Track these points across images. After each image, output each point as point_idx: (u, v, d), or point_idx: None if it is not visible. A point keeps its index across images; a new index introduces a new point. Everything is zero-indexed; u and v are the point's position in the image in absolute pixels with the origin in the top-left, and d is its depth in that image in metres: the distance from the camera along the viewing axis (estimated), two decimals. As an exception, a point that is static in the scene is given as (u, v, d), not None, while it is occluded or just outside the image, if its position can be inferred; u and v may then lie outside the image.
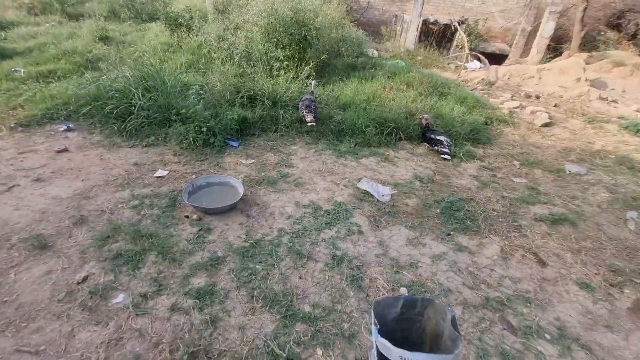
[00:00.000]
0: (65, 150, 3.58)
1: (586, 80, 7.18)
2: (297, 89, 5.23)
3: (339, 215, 3.05)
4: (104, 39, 7.16)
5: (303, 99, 4.61)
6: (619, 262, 2.87)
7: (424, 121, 4.73)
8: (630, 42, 9.99)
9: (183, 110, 4.00)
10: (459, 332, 0.41)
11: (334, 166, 3.92)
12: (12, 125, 3.94)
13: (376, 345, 0.32)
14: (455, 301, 2.33)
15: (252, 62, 5.78)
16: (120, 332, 1.85)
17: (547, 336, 2.16)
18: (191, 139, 3.82)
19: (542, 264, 2.78)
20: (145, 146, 3.81)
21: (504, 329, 2.18)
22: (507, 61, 10.50)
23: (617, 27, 10.36)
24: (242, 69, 5.68)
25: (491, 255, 2.80)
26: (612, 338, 2.19)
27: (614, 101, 6.85)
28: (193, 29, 6.76)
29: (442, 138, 4.52)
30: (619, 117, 6.30)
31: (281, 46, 5.90)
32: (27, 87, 4.90)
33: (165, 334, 1.86)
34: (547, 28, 8.81)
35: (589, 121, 6.11)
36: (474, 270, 2.63)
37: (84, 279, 2.14)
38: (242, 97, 4.70)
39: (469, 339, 2.06)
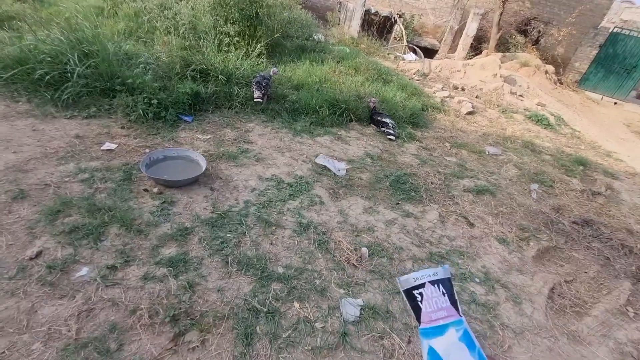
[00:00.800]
0: (-15, 119, 3.05)
1: (501, 76, 8.24)
2: (249, 67, 5.10)
3: (301, 187, 3.17)
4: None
5: (257, 76, 4.54)
6: (525, 222, 3.50)
7: (371, 104, 5.03)
8: (534, 46, 11.63)
9: (129, 80, 3.66)
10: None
11: (292, 143, 3.99)
12: None
13: (403, 292, 0.49)
14: (406, 257, 2.64)
15: (198, 35, 5.45)
16: (91, 304, 1.76)
17: (477, 280, 2.60)
18: (140, 111, 3.54)
19: (471, 225, 3.27)
20: (87, 117, 3.43)
21: (445, 277, 2.56)
22: (437, 55, 11.45)
23: (524, 33, 11.94)
24: (188, 42, 5.33)
25: (432, 220, 3.20)
26: (522, 278, 2.73)
27: (521, 95, 8.01)
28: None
29: (387, 120, 4.86)
30: (525, 109, 7.41)
31: (231, 22, 5.65)
32: None
33: (141, 302, 1.82)
34: (471, 27, 9.79)
35: (502, 111, 7.08)
36: (419, 232, 2.99)
37: (38, 254, 1.94)
38: (193, 70, 4.44)
39: (419, 287, 2.39)
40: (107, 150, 3.03)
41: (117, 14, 5.90)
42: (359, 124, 4.99)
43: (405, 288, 0.51)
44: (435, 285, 0.48)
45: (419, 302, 0.48)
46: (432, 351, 0.44)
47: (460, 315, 0.49)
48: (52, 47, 3.63)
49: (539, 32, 12.00)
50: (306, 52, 6.81)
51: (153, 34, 5.54)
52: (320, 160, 3.68)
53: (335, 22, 11.48)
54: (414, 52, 9.95)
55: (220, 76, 4.45)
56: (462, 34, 11.03)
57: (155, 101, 3.64)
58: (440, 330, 0.45)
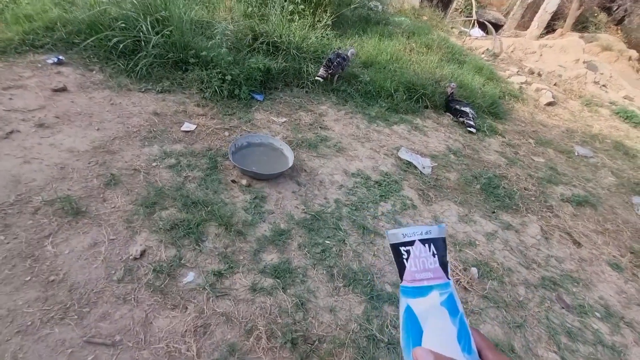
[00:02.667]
0: (64, 89, 2.91)
1: (584, 62, 7.31)
2: (316, 40, 4.68)
3: (390, 187, 2.88)
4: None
5: (331, 53, 4.14)
6: (636, 244, 3.08)
7: (449, 90, 4.54)
8: (617, 26, 10.24)
9: (204, 53, 3.39)
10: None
11: (369, 132, 3.66)
12: (-21, 52, 3.09)
13: (390, 245, 0.46)
14: (517, 280, 2.35)
15: (262, 1, 5.03)
16: (205, 318, 1.62)
17: (598, 314, 2.29)
18: (215, 88, 3.29)
19: (577, 245, 2.89)
20: (161, 92, 3.23)
21: (562, 307, 2.26)
22: (501, 32, 10.35)
23: (608, 10, 10.51)
24: (250, 8, 4.94)
25: (534, 235, 2.85)
26: (649, 316, 2.38)
27: (604, 85, 7.11)
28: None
29: (467, 110, 4.38)
30: (610, 102, 6.57)
31: (298, -13, 5.15)
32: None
33: (256, 319, 1.66)
34: (552, 2, 8.65)
35: (586, 104, 6.31)
36: (523, 249, 2.67)
37: (142, 254, 1.81)
38: (262, 43, 4.10)
39: (538, 318, 2.12)
40: (186, 131, 2.84)
41: None
42: (434, 112, 4.54)
43: (392, 242, 0.44)
44: (426, 245, 0.42)
45: (404, 260, 0.43)
46: (409, 310, 0.40)
47: (448, 279, 0.43)
48: (124, 11, 3.38)
49: (625, 10, 10.51)
50: (370, 24, 6.23)
51: (213, -3, 5.17)
52: (403, 155, 3.34)
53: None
54: (482, 27, 8.99)
55: (293, 51, 4.09)
56: (534, 8, 9.84)
57: (229, 77, 3.37)
58: (422, 291, 0.41)
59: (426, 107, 4.50)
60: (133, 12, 3.37)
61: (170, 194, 2.20)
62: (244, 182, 2.47)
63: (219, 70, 3.38)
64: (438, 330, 0.39)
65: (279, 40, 4.19)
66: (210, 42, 3.50)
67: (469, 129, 4.27)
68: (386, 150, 3.42)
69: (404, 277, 0.42)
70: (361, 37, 5.58)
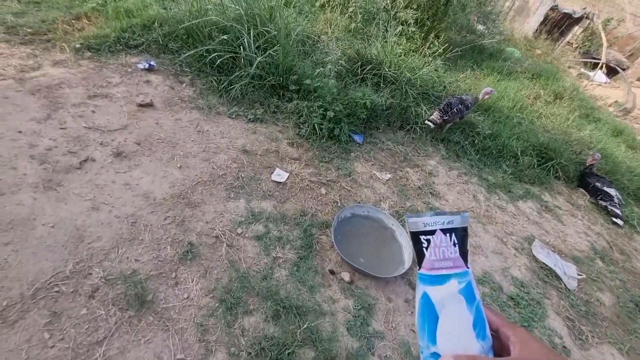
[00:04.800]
0: (150, 104, 2.56)
1: None
2: (426, 71, 3.99)
3: (530, 310, 2.12)
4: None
5: (452, 97, 3.42)
6: None
7: (590, 161, 3.60)
8: None
9: (308, 81, 2.87)
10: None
11: (489, 207, 2.91)
12: (77, 47, 2.86)
13: (410, 233, 0.41)
14: None
15: (370, 16, 4.45)
16: None
17: None
18: (315, 125, 2.77)
19: None
20: (252, 120, 2.77)
21: None
22: (624, 78, 8.80)
23: None
24: (354, 24, 4.39)
25: None
26: None
27: None
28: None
29: (612, 192, 3.43)
30: None
31: (413, 6, 4.51)
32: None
33: None
34: None
35: None
36: None
37: (215, 398, 1.28)
38: (368, 72, 3.52)
39: None
40: (278, 182, 2.33)
41: None
42: (566, 185, 3.64)
43: (412, 230, 0.42)
44: (447, 235, 0.40)
45: (424, 248, 0.41)
46: (425, 297, 0.40)
47: (467, 267, 0.41)
48: (228, 23, 2.97)
49: None
50: (483, 55, 5.40)
51: (314, 6, 4.72)
52: (540, 255, 2.55)
53: (497, 12, 9.45)
54: (609, 72, 7.65)
55: (404, 86, 3.45)
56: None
57: (331, 114, 2.82)
58: (441, 279, 0.40)
59: (556, 177, 3.62)
60: (237, 24, 2.95)
61: (257, 285, 1.68)
62: (345, 277, 1.88)
63: (321, 103, 2.85)
64: (454, 317, 0.39)
65: (389, 72, 3.57)
66: (318, 70, 2.97)
67: (614, 219, 3.32)
68: (515, 240, 2.65)
69: (423, 265, 0.41)
70: (474, 70, 4.79)
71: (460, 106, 3.27)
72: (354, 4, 4.49)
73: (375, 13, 4.50)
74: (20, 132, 2.02)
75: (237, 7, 3.04)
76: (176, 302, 1.53)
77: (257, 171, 2.36)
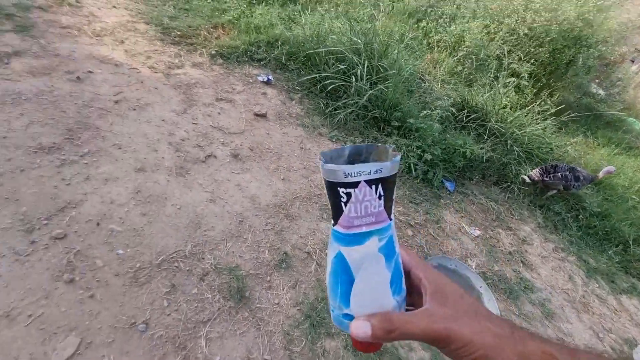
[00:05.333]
0: (264, 116, 2.88)
1: None
2: (533, 130, 3.86)
3: None
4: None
5: (563, 164, 3.27)
6: None
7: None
8: None
9: (411, 120, 2.99)
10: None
11: (586, 293, 2.67)
12: (212, 53, 3.36)
13: (324, 180, 0.35)
14: None
15: (479, 62, 4.48)
16: None
17: None
18: (411, 164, 2.85)
19: None
20: (349, 147, 2.95)
21: None
22: None
23: None
24: (460, 68, 4.45)
25: None
26: None
27: None
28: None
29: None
30: None
31: (530, 60, 4.44)
32: (231, 2, 4.33)
33: None
34: None
35: None
36: None
37: (293, 409, 1.38)
38: (471, 120, 3.53)
39: None
40: (367, 212, 2.43)
41: (393, 8, 5.48)
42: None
43: (329, 180, 0.35)
44: (373, 186, 0.34)
45: (342, 203, 0.35)
46: (340, 257, 0.36)
47: (390, 219, 0.37)
48: (346, 54, 3.25)
49: None
50: (598, 121, 5.04)
51: (421, 44, 4.89)
52: (647, 366, 2.26)
53: (624, 79, 8.72)
54: None
55: (509, 142, 3.39)
56: None
57: (428, 156, 2.88)
58: (360, 238, 0.35)
59: (674, 279, 3.19)
60: (354, 55, 3.21)
61: (339, 311, 1.77)
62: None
63: (420, 144, 2.94)
64: (371, 278, 0.36)
65: (495, 125, 3.54)
66: (425, 112, 3.08)
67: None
68: (614, 340, 2.39)
69: (339, 222, 0.36)
70: (587, 138, 4.50)
71: (567, 173, 3.11)
72: (465, 48, 4.57)
73: (486, 60, 4.53)
74: (163, 120, 2.44)
75: (358, 40, 3.32)
76: (268, 305, 1.69)
77: (350, 198, 2.50)
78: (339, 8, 5.37)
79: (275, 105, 3.08)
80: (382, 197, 0.35)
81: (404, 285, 0.38)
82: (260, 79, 3.30)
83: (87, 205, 1.75)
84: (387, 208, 0.36)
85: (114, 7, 3.49)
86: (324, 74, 3.14)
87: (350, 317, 0.37)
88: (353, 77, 3.15)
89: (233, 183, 2.20)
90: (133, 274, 1.57)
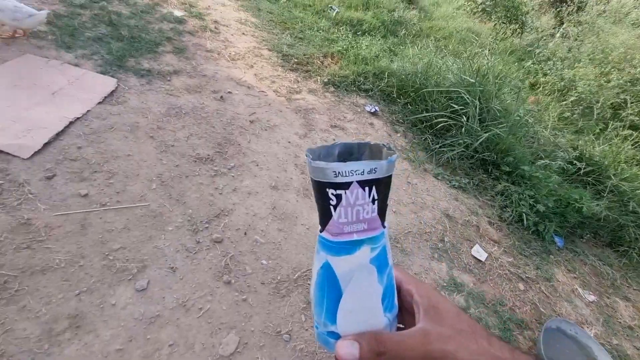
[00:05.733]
0: (374, 146, 3.03)
1: None
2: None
3: None
4: (410, 1, 6.58)
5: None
6: None
7: None
8: None
9: (525, 168, 2.94)
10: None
11: None
12: (325, 81, 3.64)
13: (311, 180, 0.30)
14: None
15: (587, 110, 4.25)
16: None
17: None
18: (523, 215, 2.78)
19: None
20: (455, 187, 2.97)
21: None
22: None
23: None
24: (568, 113, 4.25)
25: None
26: None
27: None
28: (527, 24, 5.44)
29: None
30: None
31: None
32: (339, 33, 4.66)
33: None
34: None
35: None
36: None
37: None
38: (587, 172, 3.34)
39: None
40: (477, 259, 2.42)
41: (510, 46, 5.44)
42: None
43: (317, 179, 0.31)
44: (366, 189, 0.31)
45: (331, 206, 0.31)
46: (327, 268, 0.33)
47: (384, 227, 0.33)
48: (459, 95, 3.32)
49: None
50: None
51: (523, 83, 4.77)
52: None
53: None
54: None
55: (632, 203, 3.15)
56: None
57: (541, 208, 2.79)
58: (350, 248, 0.32)
59: None
60: (466, 94, 3.27)
61: None
62: (546, 394, 1.81)
63: (532, 193, 2.86)
64: (361, 292, 0.33)
65: (614, 180, 3.32)
66: (542, 162, 3.01)
67: None
68: None
69: (328, 228, 0.33)
70: None
71: None
72: (575, 94, 4.38)
73: (599, 108, 4.29)
74: (289, 142, 2.70)
75: (470, 78, 3.38)
76: None
77: (458, 240, 2.51)
78: (438, 43, 5.49)
79: (382, 137, 3.23)
80: (376, 201, 0.32)
81: (396, 302, 0.36)
82: (367, 109, 3.50)
83: (236, 215, 2.00)
84: (381, 214, 0.33)
85: (243, 34, 3.96)
86: (433, 114, 3.22)
87: (337, 336, 0.34)
88: (464, 116, 3.19)
89: (351, 210, 2.35)
90: (275, 285, 1.75)
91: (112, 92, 2.42)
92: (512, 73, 4.47)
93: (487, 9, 7.20)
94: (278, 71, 3.55)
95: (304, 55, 3.96)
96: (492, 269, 2.41)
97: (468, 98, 3.19)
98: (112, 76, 2.55)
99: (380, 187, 0.32)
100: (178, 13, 3.74)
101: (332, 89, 3.60)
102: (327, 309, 0.34)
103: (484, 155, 3.11)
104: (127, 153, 2.07)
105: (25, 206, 1.62)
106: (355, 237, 0.32)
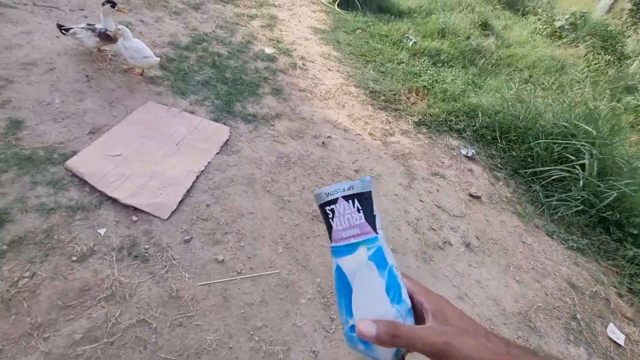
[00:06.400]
0: (478, 197, 2.83)
1: None
2: None
3: None
4: (484, 26, 6.32)
5: None
6: None
7: None
8: None
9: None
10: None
11: None
12: (416, 120, 3.50)
13: (318, 207, 0.43)
14: None
15: None
16: None
17: None
18: (653, 287, 2.44)
19: None
20: (572, 248, 2.69)
21: None
22: None
23: None
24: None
25: None
26: None
27: None
28: (625, 55, 4.99)
29: None
30: None
31: None
32: (420, 66, 4.52)
33: None
34: None
35: None
36: None
37: None
38: None
39: None
40: (614, 341, 2.13)
41: (602, 78, 5.02)
42: None
43: (319, 203, 0.43)
44: (350, 201, 0.41)
45: (330, 220, 0.42)
46: (338, 269, 0.41)
47: (376, 232, 0.42)
48: (569, 141, 3.04)
49: None
50: None
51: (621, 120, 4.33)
52: None
53: None
54: None
55: None
56: None
57: (679, 280, 2.43)
58: (349, 249, 0.41)
59: None
60: (582, 143, 2.98)
61: None
62: None
63: (667, 262, 2.51)
64: (366, 285, 0.39)
65: None
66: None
67: None
68: None
69: (332, 237, 0.42)
70: None
71: None
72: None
73: None
74: (396, 194, 2.58)
75: (583, 124, 3.09)
76: None
77: (590, 317, 2.23)
78: (521, 73, 5.19)
79: (484, 185, 3.02)
80: (361, 211, 0.40)
81: (405, 298, 0.40)
82: (463, 152, 3.30)
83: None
84: (370, 222, 0.41)
85: (329, 70, 3.94)
86: (543, 168, 2.97)
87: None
88: (578, 167, 2.91)
89: (473, 278, 2.17)
90: None
91: (227, 140, 2.44)
92: (616, 112, 4.07)
93: (565, 33, 6.76)
94: (369, 110, 3.46)
95: (390, 91, 3.86)
96: (635, 356, 2.11)
97: (583, 146, 2.90)
98: (224, 123, 2.58)
99: (361, 199, 0.40)
100: (269, 51, 3.80)
101: (424, 129, 3.46)
102: (345, 306, 0.40)
103: (603, 213, 2.79)
104: (250, 210, 2.05)
105: (171, 274, 1.62)
106: (352, 240, 0.40)
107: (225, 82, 3.02)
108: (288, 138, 2.72)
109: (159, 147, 2.20)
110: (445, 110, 3.71)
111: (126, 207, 1.80)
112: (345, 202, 0.41)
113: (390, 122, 3.41)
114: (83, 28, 2.45)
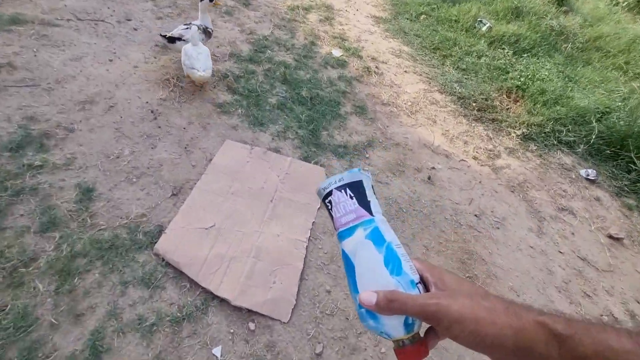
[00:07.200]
0: (620, 239, 2.31)
1: None
2: None
3: None
4: (560, 2, 5.45)
5: None
6: None
7: None
8: None
9: None
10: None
11: None
12: (519, 134, 2.93)
13: (322, 203, 0.47)
14: None
15: None
16: None
17: None
18: None
19: None
20: None
21: None
22: None
23: None
24: None
25: None
26: None
27: None
28: None
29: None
30: None
31: None
32: (503, 58, 3.86)
33: None
34: None
35: None
36: None
37: None
38: None
39: None
40: None
41: None
42: None
43: (320, 198, 0.46)
44: (342, 191, 0.45)
45: (330, 210, 0.45)
46: (343, 252, 0.44)
47: (372, 215, 0.44)
48: None
49: None
50: None
51: None
52: None
53: None
54: None
55: None
56: None
57: None
58: (349, 232, 0.44)
59: None
60: None
61: None
62: None
63: None
64: (365, 260, 0.41)
65: None
66: None
67: None
68: None
69: (335, 225, 0.45)
70: None
71: None
72: None
73: None
74: (530, 247, 2.09)
75: None
76: None
77: None
78: (616, 59, 4.42)
79: (619, 220, 2.48)
80: (354, 198, 0.43)
81: (407, 270, 0.40)
82: (582, 174, 2.75)
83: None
84: (364, 206, 0.43)
85: (405, 72, 3.36)
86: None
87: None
88: None
89: None
90: None
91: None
92: None
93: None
94: (463, 124, 2.91)
95: (480, 94, 3.27)
96: None
97: None
98: (315, 162, 2.12)
99: (352, 188, 0.44)
100: (336, 53, 3.25)
101: (532, 146, 2.89)
102: (352, 285, 0.42)
103: None
104: (377, 293, 1.62)
105: (312, 412, 1.23)
106: (350, 224, 0.43)
107: (303, 102, 2.53)
108: (389, 175, 2.24)
109: (253, 208, 1.78)
110: (550, 118, 3.11)
111: (237, 308, 1.41)
112: (339, 192, 0.44)
113: (491, 139, 2.86)
114: (187, 28, 2.25)
